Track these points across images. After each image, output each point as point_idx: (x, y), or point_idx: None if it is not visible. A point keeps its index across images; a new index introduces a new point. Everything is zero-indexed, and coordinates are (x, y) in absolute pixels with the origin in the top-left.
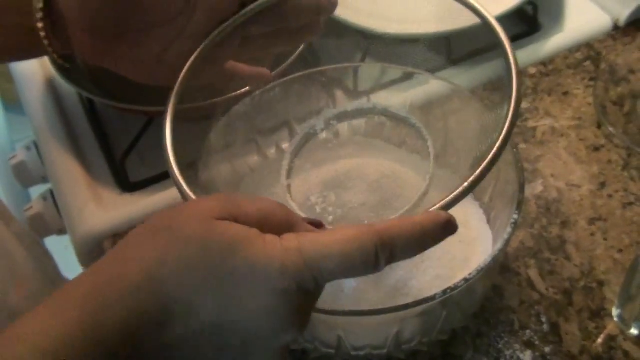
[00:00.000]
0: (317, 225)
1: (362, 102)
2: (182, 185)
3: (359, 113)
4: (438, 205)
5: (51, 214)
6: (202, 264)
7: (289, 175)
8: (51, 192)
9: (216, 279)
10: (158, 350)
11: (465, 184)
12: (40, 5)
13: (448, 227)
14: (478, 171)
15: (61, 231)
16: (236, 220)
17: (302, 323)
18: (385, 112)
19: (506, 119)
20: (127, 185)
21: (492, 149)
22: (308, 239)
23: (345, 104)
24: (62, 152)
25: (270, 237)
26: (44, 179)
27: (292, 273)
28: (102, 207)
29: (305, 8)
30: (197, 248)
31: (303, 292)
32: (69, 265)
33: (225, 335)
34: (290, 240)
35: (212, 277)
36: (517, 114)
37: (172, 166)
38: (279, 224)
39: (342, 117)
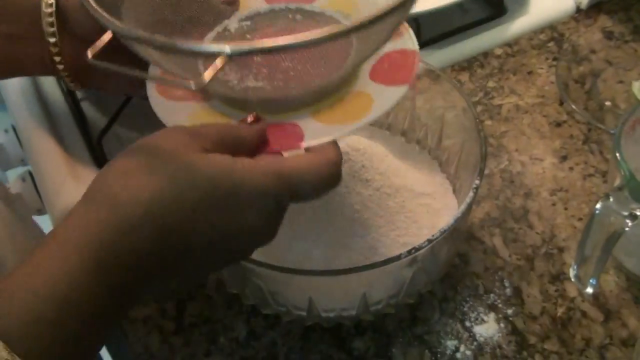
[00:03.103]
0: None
1: (275, 5)
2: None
3: (274, 14)
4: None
5: (30, 194)
6: (195, 196)
7: None
8: (29, 173)
9: (209, 206)
10: (164, 277)
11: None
12: (53, 29)
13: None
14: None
15: (40, 211)
16: (207, 149)
17: (274, 232)
18: (300, 10)
19: None
20: (104, 163)
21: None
22: (285, 164)
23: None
24: (39, 132)
25: (246, 162)
26: (23, 162)
27: (272, 194)
28: (80, 186)
29: None
30: (188, 183)
31: (279, 208)
32: None
33: (217, 246)
34: (268, 164)
35: (205, 205)
36: None
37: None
38: (234, 139)
39: (256, 18)
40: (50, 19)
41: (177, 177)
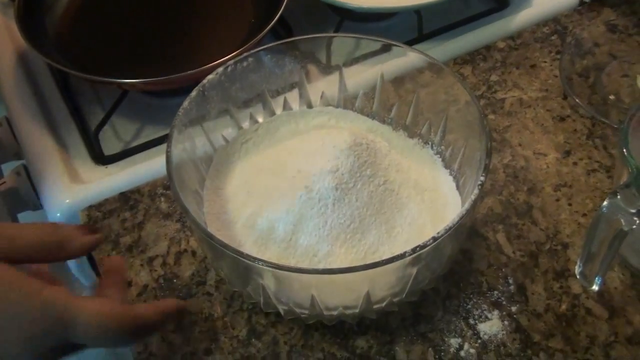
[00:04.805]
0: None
1: None
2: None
3: None
4: None
5: (25, 188)
6: None
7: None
8: (24, 167)
9: None
10: None
11: None
12: None
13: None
14: None
15: (36, 206)
16: (7, 254)
17: None
18: None
19: None
20: (101, 157)
21: None
22: (75, 304)
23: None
24: (35, 125)
25: (32, 285)
26: (17, 155)
27: (42, 326)
28: (76, 180)
29: None
30: None
31: (49, 343)
32: None
33: None
34: (55, 295)
35: None
36: None
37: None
38: (49, 248)
39: None
40: None
41: None
